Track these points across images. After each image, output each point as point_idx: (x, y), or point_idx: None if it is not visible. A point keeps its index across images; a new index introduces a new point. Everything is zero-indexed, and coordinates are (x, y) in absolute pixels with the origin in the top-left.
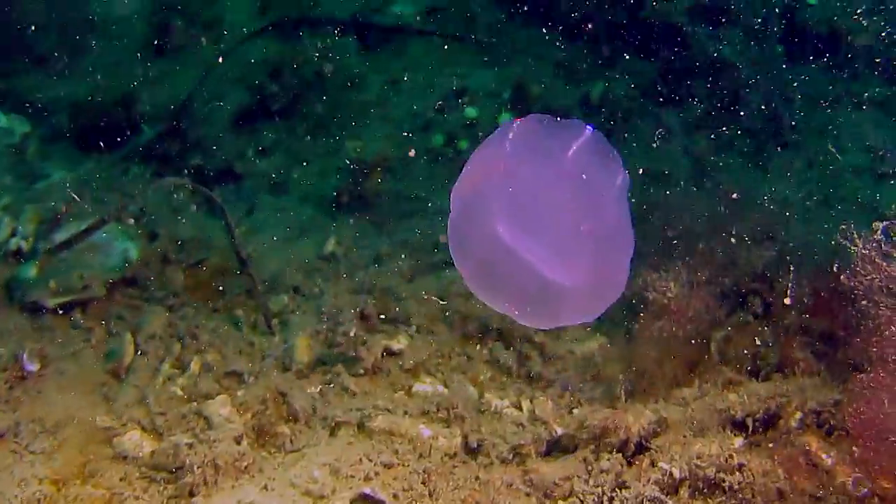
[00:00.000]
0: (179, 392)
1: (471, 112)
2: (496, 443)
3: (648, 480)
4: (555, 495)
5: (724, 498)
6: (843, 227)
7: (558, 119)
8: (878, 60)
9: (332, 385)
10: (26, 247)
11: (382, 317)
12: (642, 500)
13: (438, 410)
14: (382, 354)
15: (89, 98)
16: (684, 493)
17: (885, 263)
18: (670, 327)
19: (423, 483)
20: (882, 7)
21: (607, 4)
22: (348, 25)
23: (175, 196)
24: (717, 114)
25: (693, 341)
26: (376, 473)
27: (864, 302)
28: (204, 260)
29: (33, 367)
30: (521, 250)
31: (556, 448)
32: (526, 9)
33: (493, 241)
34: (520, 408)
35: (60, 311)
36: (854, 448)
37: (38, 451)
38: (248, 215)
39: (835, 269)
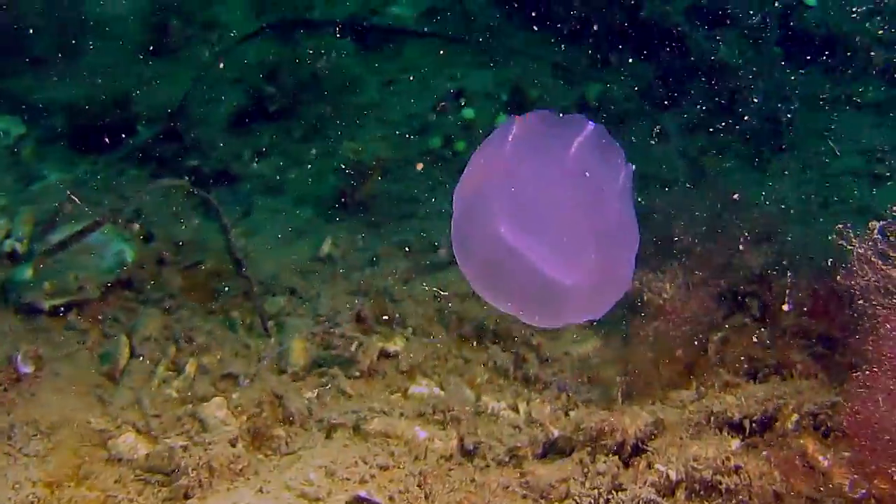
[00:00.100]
0: (175, 394)
1: (468, 113)
2: (492, 445)
3: (645, 482)
4: (551, 497)
5: (720, 500)
6: (840, 226)
7: (560, 115)
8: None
9: (328, 387)
10: (21, 249)
11: (386, 318)
12: (639, 503)
13: (434, 413)
14: (378, 356)
15: (85, 99)
16: (681, 495)
17: (881, 263)
18: (666, 328)
19: (419, 485)
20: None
21: (605, 6)
22: (346, 27)
23: (171, 198)
24: (715, 115)
25: (690, 343)
26: (372, 476)
27: (860, 302)
28: (200, 262)
29: (28, 368)
30: (523, 250)
31: (552, 450)
32: (524, 10)
33: (496, 241)
34: (516, 410)
35: (56, 313)
36: (850, 448)
37: (32, 454)
38: (245, 217)
39: (832, 270)
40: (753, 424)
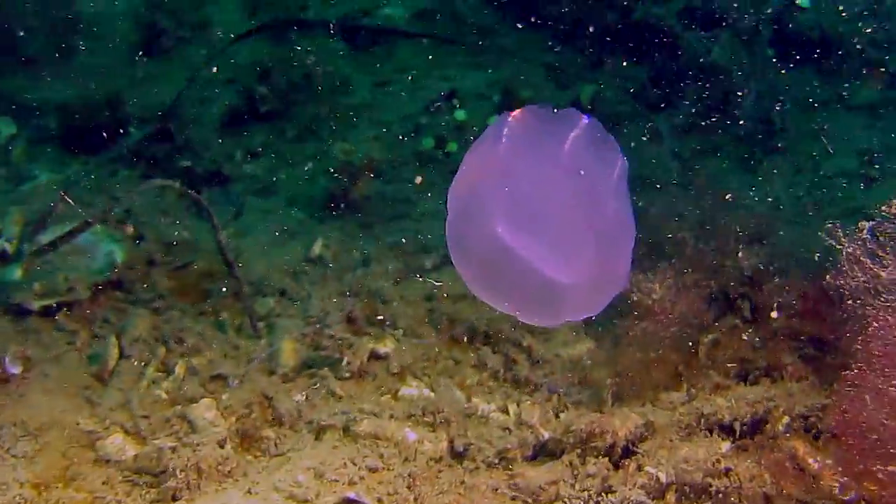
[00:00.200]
0: (164, 395)
1: (460, 115)
2: (482, 447)
3: (635, 485)
4: (540, 500)
5: (710, 502)
6: (829, 226)
7: (554, 110)
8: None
9: (317, 388)
10: (11, 249)
11: (380, 318)
12: None
13: (424, 414)
14: (369, 358)
15: (77, 99)
16: (671, 497)
17: (870, 263)
18: (655, 329)
19: (408, 487)
20: (874, 9)
21: (598, 8)
22: (338, 28)
23: (162, 198)
24: (708, 117)
25: (680, 344)
26: (361, 478)
27: (850, 301)
28: (190, 263)
29: (16, 369)
30: (520, 249)
31: (542, 452)
32: (516, 11)
33: (492, 241)
34: (506, 412)
35: (45, 314)
36: (838, 448)
37: (20, 455)
38: (236, 218)
39: (823, 271)
40: (744, 427)
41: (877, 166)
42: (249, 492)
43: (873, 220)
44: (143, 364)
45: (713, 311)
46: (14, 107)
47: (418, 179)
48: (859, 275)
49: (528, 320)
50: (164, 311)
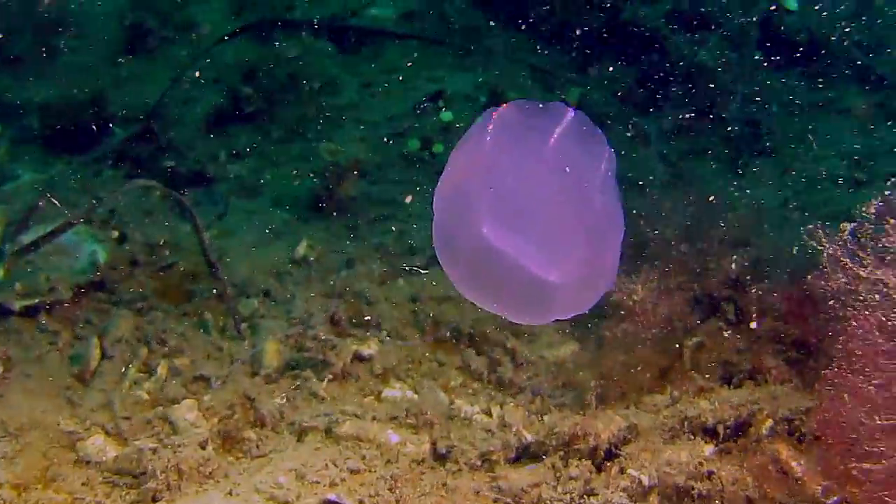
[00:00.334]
0: (146, 396)
1: (446, 116)
2: (465, 449)
3: (617, 487)
4: (523, 502)
5: None
6: (811, 227)
7: (540, 105)
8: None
9: (300, 390)
10: None
11: (360, 320)
12: None
13: (407, 416)
14: (352, 359)
15: (61, 99)
16: (653, 500)
17: (851, 263)
18: (635, 330)
19: (390, 489)
20: (861, 15)
21: (585, 9)
22: (324, 28)
23: (146, 199)
24: (695, 119)
25: (662, 346)
26: (342, 479)
27: (831, 303)
28: (174, 263)
29: None
30: (507, 249)
31: (525, 454)
32: (504, 13)
33: (478, 241)
34: (490, 414)
35: (27, 314)
36: (820, 450)
37: (0, 456)
38: (221, 218)
39: (806, 273)
40: (727, 430)
41: (866, 168)
42: (230, 493)
43: (855, 221)
44: (125, 365)
45: (697, 313)
46: None
47: (408, 198)
48: (840, 276)
49: (517, 320)
50: (146, 311)
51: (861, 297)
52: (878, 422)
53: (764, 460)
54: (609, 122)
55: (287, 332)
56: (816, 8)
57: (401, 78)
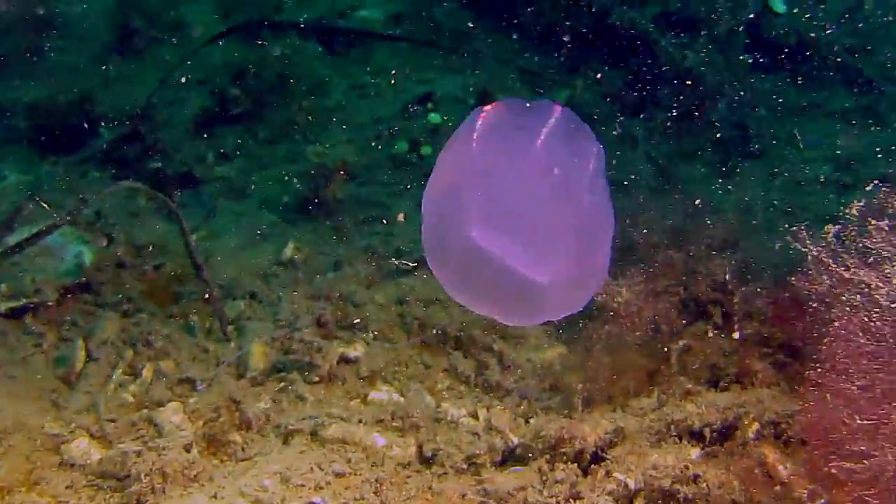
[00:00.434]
0: (131, 399)
1: (435, 118)
2: (451, 452)
3: (603, 491)
4: None
5: None
6: (795, 229)
7: (527, 104)
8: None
9: (286, 393)
10: None
11: (351, 321)
12: None
13: (393, 419)
14: (338, 362)
15: (48, 100)
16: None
17: (836, 266)
18: (619, 332)
19: (375, 493)
20: (849, 18)
21: (574, 12)
22: (313, 29)
23: (132, 200)
24: (683, 122)
25: (648, 350)
26: (327, 483)
27: (815, 305)
28: (160, 265)
29: None
30: (497, 251)
31: (511, 458)
32: (492, 15)
33: (468, 245)
34: (476, 417)
35: (12, 316)
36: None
37: None
38: (208, 220)
39: (792, 276)
40: (714, 433)
41: (853, 171)
42: (215, 496)
43: (839, 223)
44: (110, 367)
45: (684, 317)
46: None
47: (401, 216)
48: (825, 278)
49: (507, 321)
50: (132, 313)
51: (844, 299)
52: (860, 422)
53: (750, 464)
54: (597, 124)
55: (273, 335)
56: (804, 10)
57: (389, 80)
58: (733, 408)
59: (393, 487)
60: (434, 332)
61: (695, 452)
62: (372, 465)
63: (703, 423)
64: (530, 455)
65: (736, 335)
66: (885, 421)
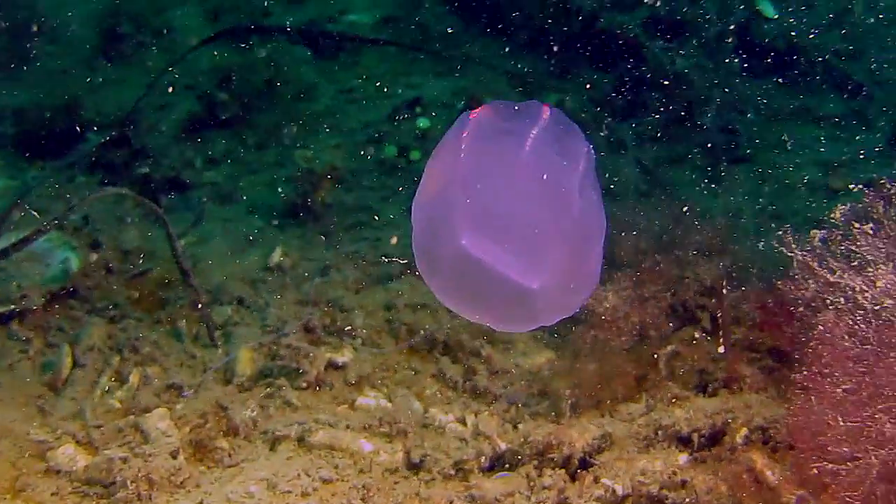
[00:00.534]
0: (117, 405)
1: (423, 122)
2: (439, 458)
3: (591, 497)
4: None
5: None
6: (780, 233)
7: (515, 107)
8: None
9: (273, 398)
10: None
11: (339, 327)
12: None
13: (381, 425)
14: (326, 367)
15: (35, 105)
16: None
17: (822, 270)
18: (605, 337)
19: (363, 499)
20: (838, 23)
21: (562, 16)
22: (301, 34)
23: (119, 206)
24: (672, 127)
25: (637, 355)
26: (314, 489)
27: (802, 309)
28: (147, 271)
29: None
30: (488, 259)
31: (499, 463)
32: (481, 19)
33: (459, 253)
34: (464, 423)
35: None
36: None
37: None
38: (195, 225)
39: (779, 281)
40: (702, 438)
41: (842, 176)
42: (201, 503)
43: (825, 228)
44: (97, 373)
45: (672, 322)
46: None
47: (394, 240)
48: (811, 282)
49: (500, 328)
50: (119, 319)
51: (830, 303)
52: (843, 423)
53: (738, 469)
54: (585, 128)
55: (261, 340)
56: (794, 15)
57: (378, 84)
58: (721, 413)
59: (380, 493)
60: (422, 332)
61: (683, 458)
62: (359, 472)
63: (692, 428)
64: (518, 460)
65: (721, 349)
66: (870, 424)
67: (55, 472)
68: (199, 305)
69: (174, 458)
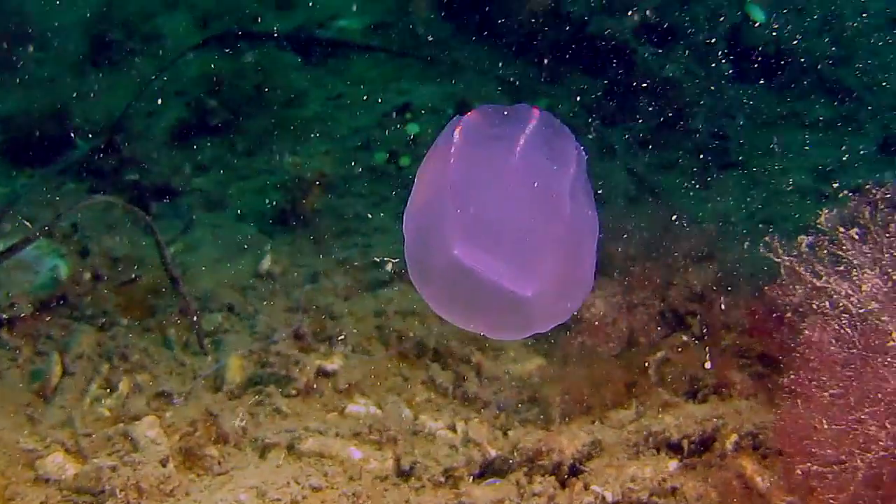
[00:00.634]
0: (107, 413)
1: (413, 128)
2: (429, 465)
3: (581, 503)
4: None
5: None
6: (767, 239)
7: (505, 111)
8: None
9: (263, 406)
10: None
11: (329, 334)
12: None
13: (371, 432)
14: (316, 374)
15: (23, 111)
16: None
17: (809, 275)
18: (592, 343)
19: None
20: (828, 28)
21: (552, 21)
22: (291, 40)
23: (108, 213)
24: (661, 132)
25: (626, 361)
26: (304, 497)
27: (789, 315)
28: (137, 278)
29: None
30: (481, 268)
31: (489, 470)
32: (471, 25)
33: (451, 262)
34: (454, 430)
35: None
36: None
37: None
38: (185, 232)
39: (767, 287)
40: (692, 445)
41: (832, 181)
42: None
43: (811, 233)
44: (86, 381)
45: (662, 328)
46: None
47: (389, 266)
48: (798, 288)
49: (495, 336)
50: (108, 327)
51: (817, 308)
52: (830, 427)
53: (728, 476)
54: (575, 134)
55: (251, 348)
56: (783, 20)
57: (368, 91)
58: (711, 419)
59: (370, 501)
60: (412, 338)
61: (673, 464)
62: (349, 479)
63: (682, 434)
64: (508, 467)
65: (707, 365)
66: (856, 427)
67: (44, 481)
68: (189, 313)
69: (164, 466)
